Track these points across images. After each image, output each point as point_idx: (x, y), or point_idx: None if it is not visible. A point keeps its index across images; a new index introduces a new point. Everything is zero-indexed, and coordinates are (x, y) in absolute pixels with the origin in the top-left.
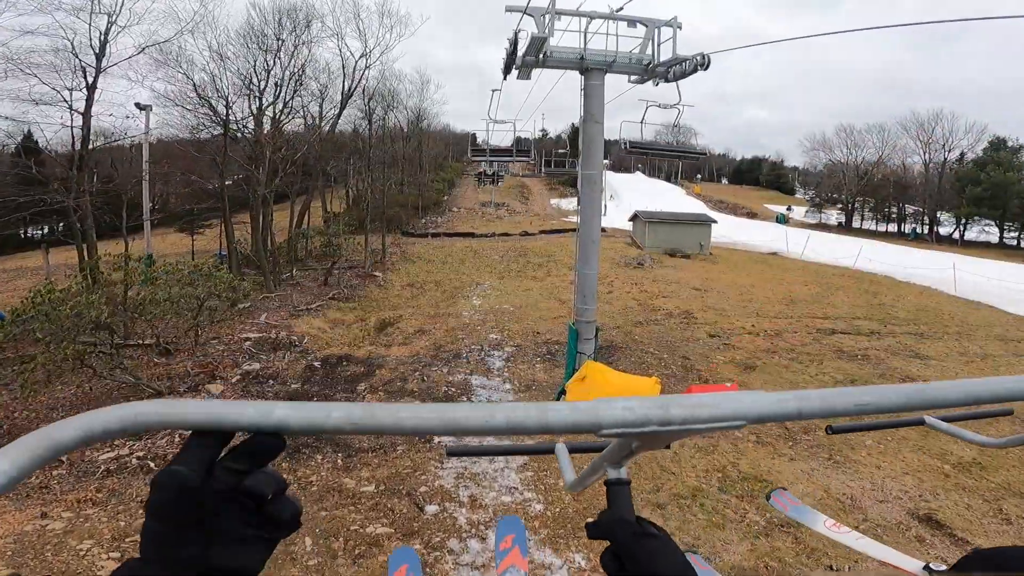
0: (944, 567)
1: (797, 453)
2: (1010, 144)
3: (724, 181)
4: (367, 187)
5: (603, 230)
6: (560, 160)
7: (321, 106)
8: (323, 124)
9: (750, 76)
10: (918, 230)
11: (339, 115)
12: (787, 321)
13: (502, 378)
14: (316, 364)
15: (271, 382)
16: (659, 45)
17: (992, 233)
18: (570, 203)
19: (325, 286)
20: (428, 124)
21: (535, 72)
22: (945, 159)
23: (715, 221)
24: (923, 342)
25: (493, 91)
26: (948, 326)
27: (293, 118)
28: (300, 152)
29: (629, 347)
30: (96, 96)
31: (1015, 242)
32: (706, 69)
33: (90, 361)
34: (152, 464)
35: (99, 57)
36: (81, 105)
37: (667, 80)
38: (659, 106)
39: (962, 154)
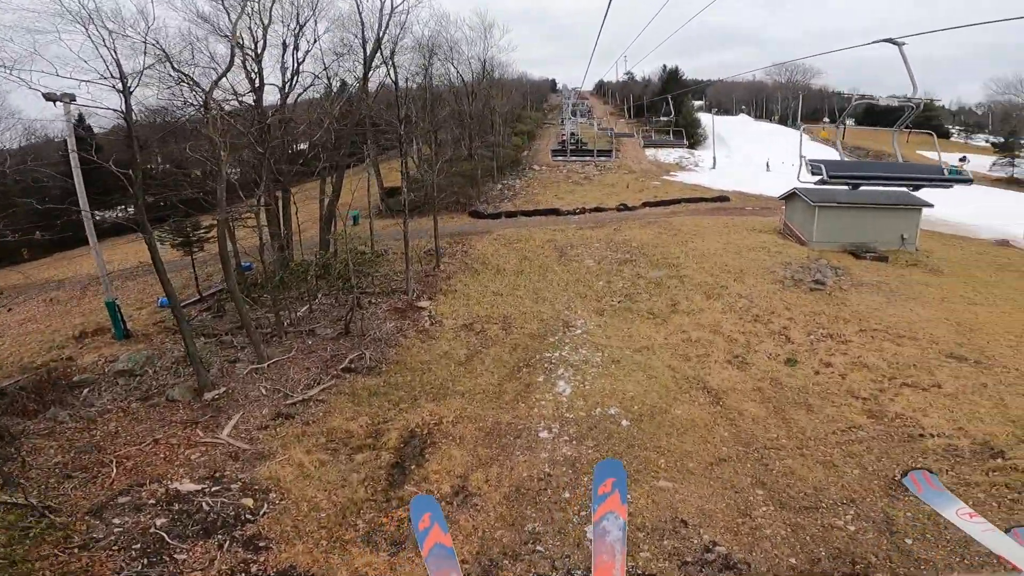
0: None
1: None
2: None
3: (850, 123)
4: (410, 166)
5: (725, 199)
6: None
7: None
8: (347, 92)
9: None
10: None
11: (365, 78)
12: None
13: None
14: None
15: None
16: None
17: None
18: (669, 155)
19: (345, 337)
20: (500, 74)
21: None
22: None
23: (929, 205)
24: None
25: (572, 89)
26: None
27: (310, 87)
28: (320, 132)
29: None
30: None
31: None
32: None
33: None
34: None
35: None
36: None
37: None
38: None
39: None
